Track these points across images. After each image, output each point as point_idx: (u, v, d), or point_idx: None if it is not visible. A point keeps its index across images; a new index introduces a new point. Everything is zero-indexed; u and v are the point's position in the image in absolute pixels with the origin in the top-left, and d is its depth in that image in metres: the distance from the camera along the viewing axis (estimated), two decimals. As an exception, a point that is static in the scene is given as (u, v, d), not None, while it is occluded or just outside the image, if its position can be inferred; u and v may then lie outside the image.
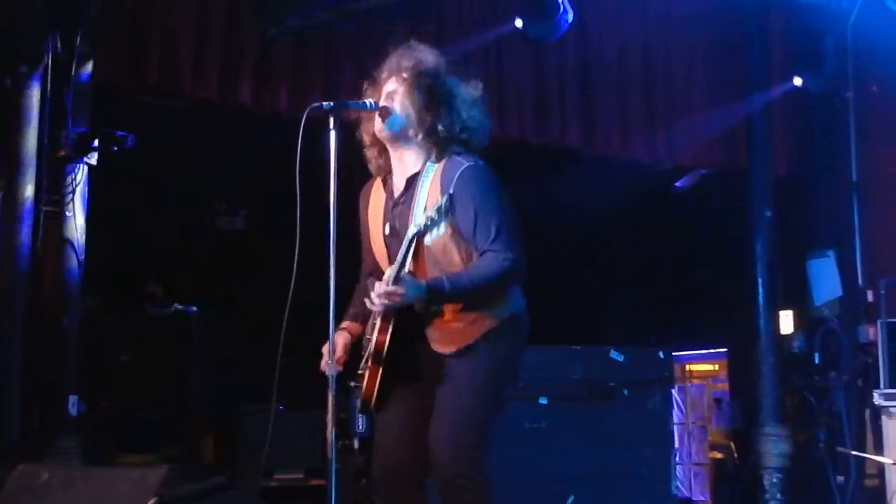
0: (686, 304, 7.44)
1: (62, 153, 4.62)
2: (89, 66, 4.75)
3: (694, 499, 7.62)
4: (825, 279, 6.85)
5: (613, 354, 5.58)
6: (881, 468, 5.63)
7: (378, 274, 3.34)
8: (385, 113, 3.29)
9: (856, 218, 6.85)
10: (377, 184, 3.46)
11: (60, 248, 4.65)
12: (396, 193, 3.35)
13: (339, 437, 5.06)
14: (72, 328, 4.58)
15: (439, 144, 3.26)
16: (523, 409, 5.19)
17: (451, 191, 3.09)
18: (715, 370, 7.81)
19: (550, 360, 5.40)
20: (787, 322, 6.95)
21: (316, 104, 3.25)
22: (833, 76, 6.78)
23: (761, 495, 6.41)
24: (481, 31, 5.94)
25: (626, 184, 6.97)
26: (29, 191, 4.56)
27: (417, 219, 3.10)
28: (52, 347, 4.52)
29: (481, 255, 3.17)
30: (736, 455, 7.09)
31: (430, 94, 3.27)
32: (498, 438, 4.94)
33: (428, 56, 3.35)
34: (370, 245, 3.45)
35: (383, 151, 3.41)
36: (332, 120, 3.24)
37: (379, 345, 3.21)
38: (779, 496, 6.33)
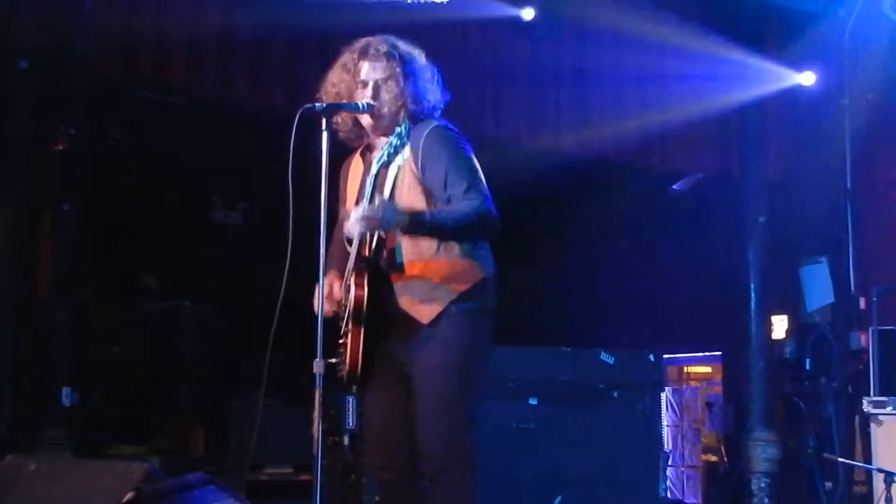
0: (685, 306, 7.46)
1: (59, 147, 4.65)
2: (86, 62, 4.77)
3: (686, 501, 7.64)
4: (818, 285, 6.87)
5: (603, 356, 5.60)
6: (869, 475, 5.64)
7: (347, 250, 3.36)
8: (376, 111, 3.31)
9: (849, 225, 6.87)
10: (356, 157, 3.50)
11: (55, 241, 4.68)
12: (374, 166, 3.37)
13: (329, 434, 5.12)
14: (64, 320, 4.61)
15: (413, 115, 3.32)
16: (512, 409, 5.20)
17: (420, 146, 3.13)
18: (710, 373, 7.84)
19: (540, 361, 5.41)
20: (779, 327, 6.98)
21: (308, 105, 3.27)
22: (829, 83, 6.81)
23: (749, 499, 6.44)
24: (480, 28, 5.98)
25: (623, 186, 7.00)
26: (25, 184, 4.59)
27: (401, 190, 3.13)
28: (44, 340, 4.55)
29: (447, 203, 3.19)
30: (725, 459, 7.12)
31: (406, 76, 3.32)
32: (487, 438, 5.00)
33: (393, 38, 3.40)
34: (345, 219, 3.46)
35: (362, 130, 3.43)
36: (324, 121, 3.27)
37: (358, 301, 3.17)
38: (766, 501, 6.37)
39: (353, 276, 3.21)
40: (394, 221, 3.07)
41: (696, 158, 6.87)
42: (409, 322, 3.21)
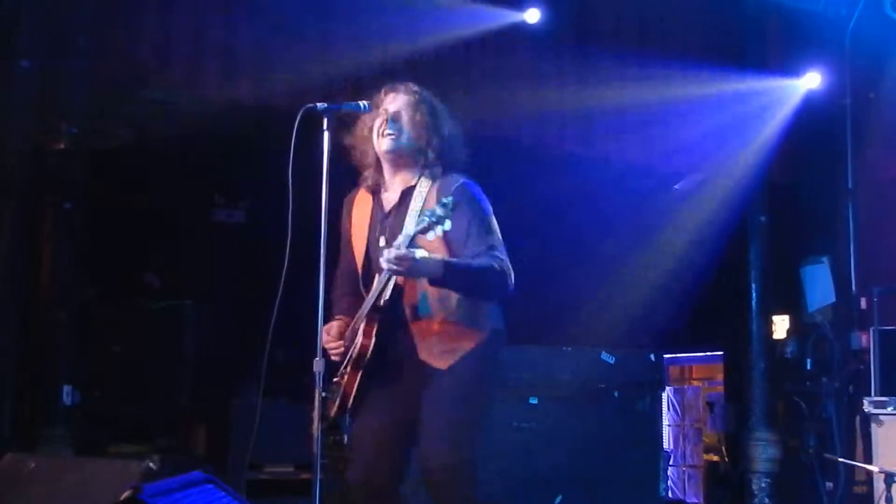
0: (686, 306, 7.46)
1: (60, 146, 4.66)
2: (88, 61, 4.78)
3: (687, 501, 7.65)
4: (819, 285, 6.87)
5: (604, 356, 5.61)
6: (870, 475, 5.65)
7: (358, 283, 3.41)
8: (395, 133, 3.34)
9: (850, 225, 6.88)
10: (363, 194, 3.51)
11: (56, 239, 4.69)
12: (388, 206, 3.39)
13: (329, 433, 5.12)
14: (65, 319, 4.62)
15: (434, 161, 3.34)
16: (513, 408, 5.21)
17: (453, 196, 3.09)
18: (713, 373, 7.85)
19: (541, 360, 5.42)
20: (780, 327, 6.99)
21: (310, 105, 3.29)
22: (831, 83, 6.81)
23: (750, 499, 6.45)
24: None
25: (625, 186, 6.99)
26: (26, 183, 4.60)
27: (419, 219, 3.09)
28: (45, 338, 4.56)
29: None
30: (726, 458, 7.12)
31: (432, 114, 3.36)
32: (487, 438, 5.00)
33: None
34: (351, 253, 3.50)
35: (378, 166, 3.44)
36: (325, 121, 3.28)
37: (363, 349, 3.24)
38: (767, 500, 6.37)
39: (364, 323, 3.24)
40: (426, 269, 3.08)
41: (698, 158, 6.86)
42: (425, 369, 3.26)
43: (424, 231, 2.97)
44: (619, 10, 6.51)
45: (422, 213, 3.13)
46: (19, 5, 4.62)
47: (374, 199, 3.45)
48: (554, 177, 6.78)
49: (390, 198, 3.41)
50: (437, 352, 3.26)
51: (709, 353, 7.80)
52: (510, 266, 3.26)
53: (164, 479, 2.61)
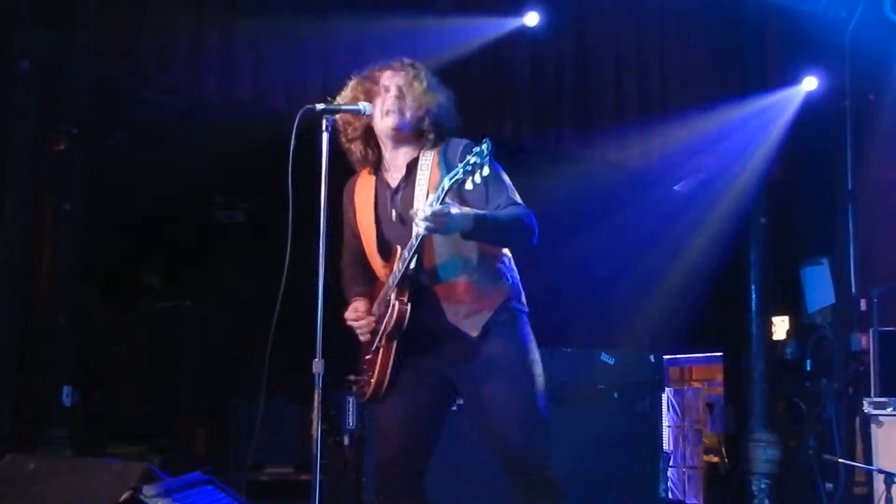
0: (686, 307, 7.46)
1: (60, 147, 4.66)
2: (88, 62, 4.78)
3: (687, 502, 7.65)
4: (819, 287, 6.88)
5: (604, 357, 5.61)
6: (869, 476, 5.64)
7: (371, 262, 3.39)
8: (398, 111, 3.31)
9: (850, 226, 6.88)
10: (364, 176, 3.48)
11: (57, 240, 4.69)
12: (394, 181, 3.37)
13: (329, 434, 5.12)
14: (66, 320, 4.62)
15: (434, 131, 3.33)
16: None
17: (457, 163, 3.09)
18: (712, 374, 7.85)
19: (541, 361, 5.40)
20: (780, 328, 6.99)
21: (308, 106, 3.28)
22: (831, 85, 6.82)
23: (750, 500, 6.45)
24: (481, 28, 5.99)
25: (624, 188, 6.99)
26: (26, 184, 4.60)
27: (453, 173, 3.02)
28: (45, 339, 4.56)
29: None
30: (726, 459, 7.12)
31: (429, 86, 3.35)
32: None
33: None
34: (358, 236, 3.47)
35: (374, 144, 3.43)
36: (324, 122, 3.28)
37: (400, 315, 3.18)
38: (767, 502, 6.38)
39: (395, 292, 3.21)
40: (461, 222, 3.05)
41: (698, 159, 6.87)
42: (456, 335, 3.23)
43: (462, 181, 2.94)
44: (619, 10, 6.51)
45: (436, 184, 3.11)
46: (19, 5, 4.62)
47: (376, 179, 3.43)
48: (552, 178, 6.79)
49: (394, 174, 3.39)
50: (463, 314, 3.23)
51: (708, 355, 7.80)
52: (531, 213, 3.27)
53: (164, 479, 2.61)
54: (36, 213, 4.64)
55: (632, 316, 7.49)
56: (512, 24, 5.97)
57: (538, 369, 3.29)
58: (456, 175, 2.95)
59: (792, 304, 6.95)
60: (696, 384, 8.02)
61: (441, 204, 2.99)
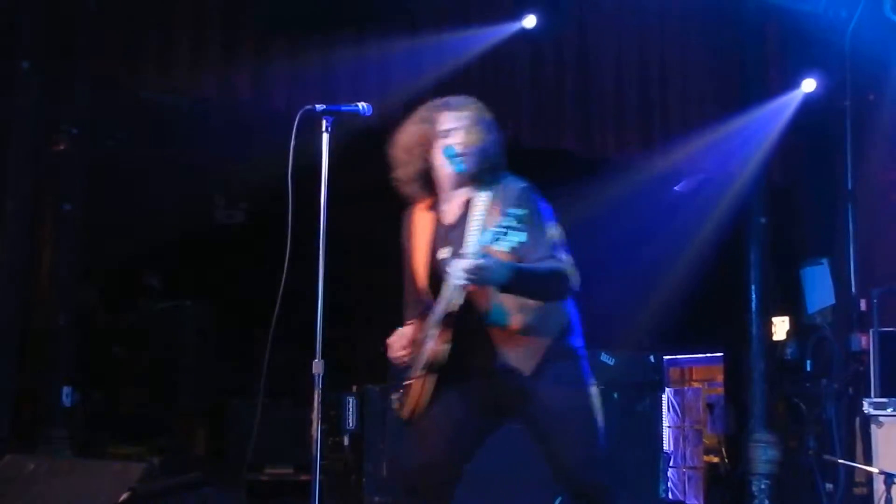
0: (686, 307, 7.46)
1: (60, 147, 4.66)
2: (88, 62, 4.79)
3: (687, 502, 7.65)
4: (819, 287, 6.88)
5: (604, 357, 5.60)
6: (870, 476, 5.64)
7: (422, 293, 3.39)
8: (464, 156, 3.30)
9: (850, 226, 6.88)
10: (421, 210, 3.47)
11: (57, 241, 4.69)
12: (449, 218, 3.36)
13: (329, 434, 5.13)
14: (66, 320, 4.62)
15: (490, 170, 3.33)
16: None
17: (518, 207, 3.09)
18: (713, 374, 7.84)
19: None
20: (780, 329, 6.99)
21: (308, 106, 3.28)
22: (831, 85, 6.82)
23: (750, 501, 6.45)
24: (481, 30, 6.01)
25: (624, 187, 6.99)
26: (27, 184, 4.60)
27: (491, 232, 3.05)
28: (45, 339, 4.56)
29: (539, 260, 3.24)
30: (726, 460, 7.12)
31: (488, 127, 3.35)
32: (492, 438, 4.99)
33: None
34: (415, 272, 3.46)
35: (431, 184, 3.40)
36: (324, 122, 3.28)
37: (438, 354, 3.22)
38: (767, 502, 6.37)
39: (440, 329, 3.21)
40: (496, 277, 3.06)
41: (698, 159, 6.87)
42: (509, 373, 3.23)
43: (496, 241, 2.96)
44: (620, 10, 6.51)
45: (491, 224, 3.09)
46: (19, 5, 4.62)
47: (432, 214, 3.42)
48: (552, 178, 6.78)
49: (451, 210, 3.38)
50: (516, 353, 3.24)
51: (709, 355, 7.79)
52: (573, 264, 3.27)
53: (162, 480, 2.61)
54: (36, 213, 4.64)
55: (632, 316, 7.49)
56: (511, 28, 5.98)
57: (596, 403, 3.30)
58: (494, 236, 2.96)
59: (792, 304, 6.95)
60: (696, 384, 8.02)
61: (482, 257, 3.00)
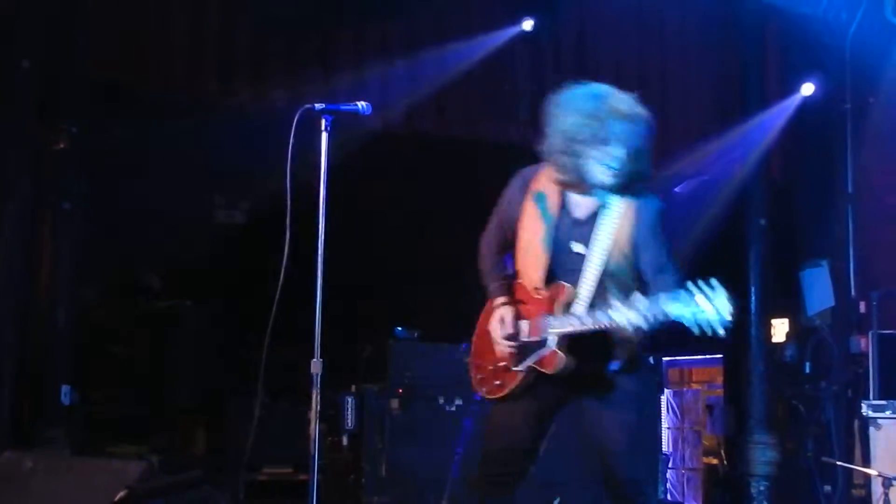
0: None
1: (60, 146, 4.66)
2: (87, 61, 4.79)
3: (686, 503, 7.65)
4: (818, 289, 6.88)
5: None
6: (868, 478, 5.64)
7: (523, 271, 3.42)
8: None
9: (850, 228, 6.88)
10: (548, 183, 3.39)
11: (56, 240, 4.69)
12: (580, 213, 3.34)
13: (328, 434, 5.13)
14: (65, 319, 4.62)
15: (635, 182, 3.33)
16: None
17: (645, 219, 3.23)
18: (712, 376, 7.84)
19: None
20: (779, 330, 6.98)
21: (308, 105, 3.29)
22: (831, 87, 6.82)
23: (748, 502, 6.45)
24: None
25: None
26: (27, 183, 4.61)
27: (612, 252, 3.21)
28: (44, 338, 4.56)
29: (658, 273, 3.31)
30: (725, 461, 7.12)
31: (647, 143, 3.31)
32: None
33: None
34: (514, 234, 3.45)
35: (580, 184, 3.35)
36: (323, 121, 3.29)
37: (558, 365, 3.27)
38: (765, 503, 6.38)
39: (558, 338, 3.26)
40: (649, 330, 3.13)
41: (699, 161, 6.87)
42: (591, 372, 3.31)
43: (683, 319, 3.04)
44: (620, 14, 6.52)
45: (622, 241, 3.24)
46: (19, 5, 4.62)
47: (560, 197, 3.38)
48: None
49: (584, 204, 3.36)
50: (602, 356, 3.31)
51: (708, 356, 7.78)
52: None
53: (160, 479, 2.61)
54: (36, 212, 4.65)
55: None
56: (510, 32, 6.01)
57: (656, 410, 3.41)
58: (681, 313, 3.05)
59: (792, 306, 6.95)
60: (695, 386, 8.01)
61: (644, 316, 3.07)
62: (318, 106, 3.29)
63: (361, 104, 3.37)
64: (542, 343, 3.30)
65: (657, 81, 6.65)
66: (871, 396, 5.83)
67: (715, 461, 7.39)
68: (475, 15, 6.09)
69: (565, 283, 3.30)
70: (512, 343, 3.35)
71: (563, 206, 3.36)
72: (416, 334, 5.25)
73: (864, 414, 5.65)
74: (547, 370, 3.28)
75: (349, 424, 4.90)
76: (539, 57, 6.23)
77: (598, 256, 3.25)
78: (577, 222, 3.34)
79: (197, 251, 6.88)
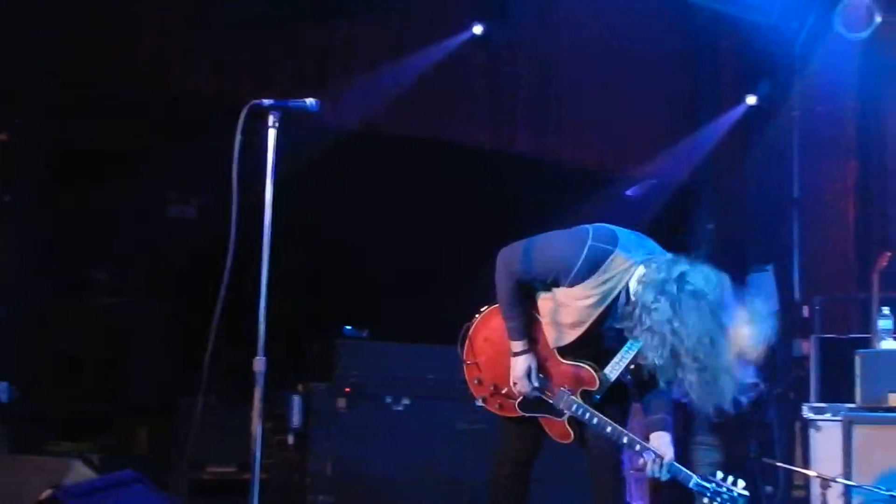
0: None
1: (2, 137, 4.58)
2: (42, 53, 4.71)
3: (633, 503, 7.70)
4: (764, 293, 6.97)
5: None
6: (808, 479, 5.72)
7: (550, 329, 3.49)
8: None
9: (795, 234, 6.99)
10: (611, 276, 3.42)
11: (1, 233, 4.61)
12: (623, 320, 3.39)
13: (275, 433, 5.09)
14: (5, 313, 4.54)
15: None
16: (461, 410, 5.19)
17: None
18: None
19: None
20: (726, 334, 7.04)
21: (256, 101, 3.27)
22: (780, 96, 6.92)
23: (692, 502, 6.51)
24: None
25: (577, 190, 7.04)
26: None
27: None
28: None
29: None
30: (671, 463, 7.18)
31: None
32: (436, 438, 5.01)
33: None
34: (557, 298, 3.47)
35: None
36: (271, 117, 3.27)
37: (563, 437, 3.49)
38: (708, 504, 6.43)
39: (567, 416, 3.44)
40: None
41: (650, 165, 6.94)
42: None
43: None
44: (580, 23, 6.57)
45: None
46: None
47: (614, 300, 3.43)
48: (507, 178, 6.81)
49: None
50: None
51: (657, 359, 7.85)
52: None
53: (90, 478, 2.57)
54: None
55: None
56: (462, 37, 6.05)
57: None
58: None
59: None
60: (644, 388, 8.07)
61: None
62: (265, 102, 3.27)
63: (310, 101, 3.35)
64: (557, 410, 3.46)
65: (614, 86, 6.71)
66: (812, 399, 5.91)
67: (662, 462, 7.45)
68: (435, 19, 6.11)
69: (594, 373, 3.44)
70: (529, 391, 3.47)
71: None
72: (365, 333, 5.23)
73: (805, 416, 5.74)
74: (551, 434, 3.49)
75: (295, 423, 4.87)
76: (494, 61, 6.25)
77: (633, 349, 3.35)
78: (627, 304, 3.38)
79: (148, 246, 6.80)
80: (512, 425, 3.61)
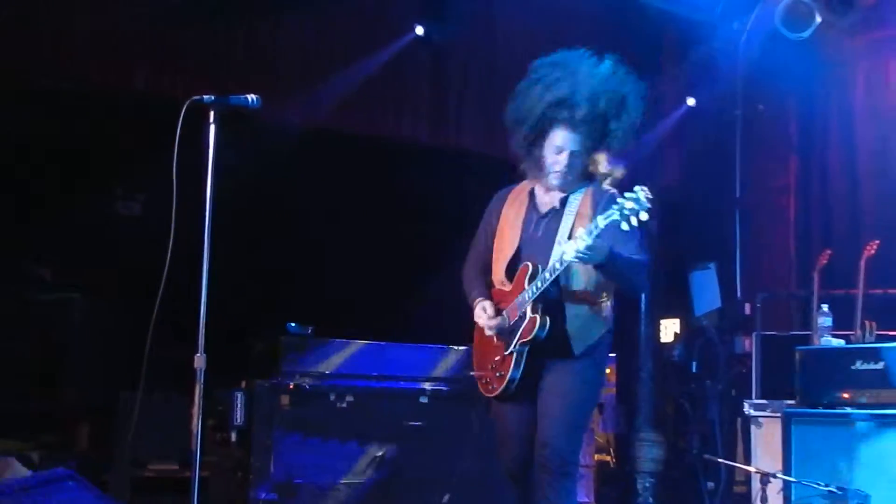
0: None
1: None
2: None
3: (579, 500, 7.75)
4: (706, 291, 7.07)
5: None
6: (748, 475, 5.82)
7: (494, 271, 3.72)
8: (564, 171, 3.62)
9: (737, 232, 7.10)
10: (519, 192, 3.77)
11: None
12: (545, 208, 3.68)
13: (217, 430, 5.06)
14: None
15: (585, 176, 3.69)
16: (404, 407, 5.21)
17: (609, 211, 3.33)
18: (607, 375, 7.97)
19: (428, 357, 5.41)
20: (669, 331, 7.15)
21: (196, 97, 3.27)
22: (723, 94, 7.01)
23: (634, 499, 6.59)
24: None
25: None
26: None
27: (609, 212, 3.32)
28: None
29: None
30: (614, 459, 7.25)
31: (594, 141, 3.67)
32: (380, 436, 5.00)
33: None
34: (493, 243, 3.76)
35: (534, 166, 3.70)
36: (211, 114, 3.27)
37: (534, 325, 3.51)
38: (651, 500, 6.52)
39: (531, 305, 3.53)
40: (600, 256, 3.36)
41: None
42: (563, 348, 3.56)
43: (618, 223, 3.26)
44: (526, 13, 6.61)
45: (584, 222, 3.45)
46: None
47: (528, 200, 3.72)
48: (455, 177, 6.83)
49: (548, 201, 3.68)
50: (575, 333, 3.57)
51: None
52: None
53: (21, 476, 2.54)
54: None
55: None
56: (406, 38, 6.13)
57: (600, 391, 3.76)
58: (611, 216, 3.27)
59: (680, 306, 7.13)
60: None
61: (595, 239, 3.31)
62: (206, 98, 3.27)
63: (251, 97, 3.36)
64: (522, 318, 3.55)
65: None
66: (753, 396, 6.01)
67: (606, 458, 7.53)
68: (380, 20, 6.14)
69: (527, 262, 3.59)
70: (498, 326, 3.63)
71: (531, 206, 3.70)
72: (309, 330, 5.21)
73: (747, 413, 5.84)
74: (536, 336, 3.49)
75: (238, 420, 4.84)
76: (437, 61, 6.30)
77: (588, 234, 3.42)
78: (542, 217, 3.66)
79: (93, 243, 6.72)
80: (499, 414, 3.71)
